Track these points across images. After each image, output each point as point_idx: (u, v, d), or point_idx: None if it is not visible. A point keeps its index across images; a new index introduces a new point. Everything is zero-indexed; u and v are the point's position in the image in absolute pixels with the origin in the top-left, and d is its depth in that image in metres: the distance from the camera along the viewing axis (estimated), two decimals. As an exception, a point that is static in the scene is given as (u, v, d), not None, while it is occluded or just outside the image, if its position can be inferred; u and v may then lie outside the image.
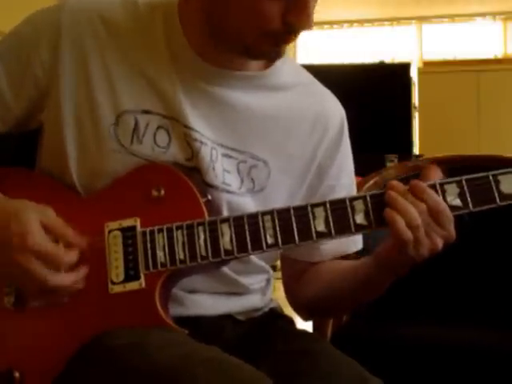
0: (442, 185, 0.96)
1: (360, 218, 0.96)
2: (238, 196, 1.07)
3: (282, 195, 1.04)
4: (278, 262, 1.23)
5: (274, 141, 1.10)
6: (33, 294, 0.96)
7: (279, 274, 1.23)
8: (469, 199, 0.95)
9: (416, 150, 5.38)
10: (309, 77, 1.18)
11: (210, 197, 1.03)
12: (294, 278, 1.20)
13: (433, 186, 0.96)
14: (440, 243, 0.96)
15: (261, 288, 1.17)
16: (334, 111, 1.17)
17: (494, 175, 0.96)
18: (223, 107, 1.06)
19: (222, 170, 1.05)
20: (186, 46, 1.04)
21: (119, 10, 1.06)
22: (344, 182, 1.16)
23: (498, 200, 0.95)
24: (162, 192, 1.01)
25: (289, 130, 1.11)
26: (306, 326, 1.29)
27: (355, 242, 1.19)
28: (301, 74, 1.17)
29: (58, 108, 1.04)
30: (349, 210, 0.96)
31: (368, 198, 0.96)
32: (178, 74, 1.04)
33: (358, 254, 1.19)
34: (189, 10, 1.04)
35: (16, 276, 0.95)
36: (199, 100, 1.05)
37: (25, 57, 1.04)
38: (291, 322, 1.20)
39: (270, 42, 0.99)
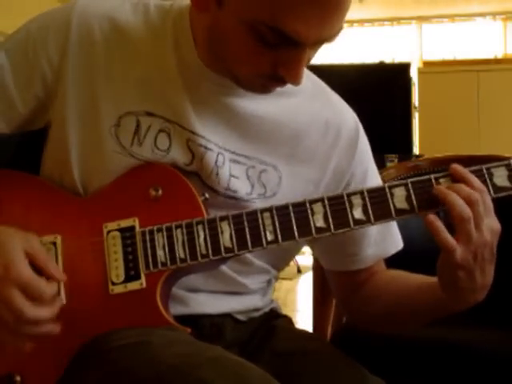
0: (437, 179, 0.97)
1: (358, 213, 0.96)
2: (246, 202, 1.06)
3: (295, 200, 1.02)
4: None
5: (283, 146, 1.09)
6: (8, 325, 0.90)
7: (279, 274, 1.22)
8: None
9: (416, 150, 5.37)
10: (317, 81, 1.16)
11: (207, 195, 1.03)
12: (349, 290, 1.18)
13: (479, 171, 0.97)
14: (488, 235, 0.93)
15: (261, 288, 1.17)
16: (347, 115, 1.15)
17: (487, 168, 0.97)
18: (229, 114, 1.05)
19: (228, 176, 1.05)
20: (194, 53, 1.03)
21: (130, 12, 1.06)
22: (372, 184, 1.13)
23: (492, 192, 0.96)
24: (160, 191, 1.01)
25: (298, 135, 1.10)
26: (305, 326, 1.29)
27: (395, 243, 1.18)
28: (309, 78, 1.14)
29: (63, 108, 1.03)
30: (347, 204, 0.96)
31: (365, 193, 0.96)
32: (185, 80, 1.04)
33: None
34: (198, 24, 1.03)
35: None
36: (205, 106, 1.04)
37: (32, 55, 1.03)
38: (290, 322, 1.20)
39: (259, 82, 0.99)
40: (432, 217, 0.93)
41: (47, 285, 0.92)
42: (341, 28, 0.92)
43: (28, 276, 0.90)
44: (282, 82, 0.97)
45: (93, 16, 1.05)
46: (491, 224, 0.94)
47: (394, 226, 1.18)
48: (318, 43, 0.93)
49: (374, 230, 1.13)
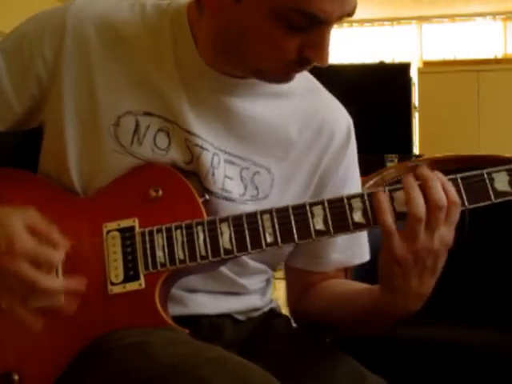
0: None
1: (358, 217, 0.96)
2: (239, 204, 1.06)
3: (287, 203, 1.01)
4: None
5: (276, 148, 1.09)
6: (21, 300, 0.90)
7: (279, 274, 1.22)
8: (464, 197, 0.95)
9: (416, 150, 5.38)
10: (314, 83, 1.16)
11: (207, 197, 1.03)
12: (299, 290, 1.18)
13: (453, 180, 0.95)
14: (436, 242, 0.93)
15: (260, 288, 1.17)
16: (341, 119, 1.15)
17: (488, 173, 0.96)
18: (226, 114, 1.05)
19: (222, 176, 1.05)
20: (194, 51, 1.03)
21: (126, 12, 1.06)
22: (350, 190, 1.12)
23: (492, 197, 0.96)
24: (160, 192, 1.01)
25: (292, 138, 1.10)
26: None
27: (361, 254, 1.18)
28: (306, 80, 1.14)
29: (59, 108, 1.03)
30: (347, 208, 0.96)
31: (365, 197, 0.96)
32: (183, 79, 1.04)
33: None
34: (201, 24, 1.03)
35: (5, 282, 0.90)
36: (202, 106, 1.04)
37: (28, 55, 1.03)
38: (290, 321, 1.20)
39: (284, 71, 0.99)
40: (382, 196, 0.94)
41: (54, 251, 0.90)
42: (356, 1, 0.94)
43: (33, 245, 0.89)
44: (306, 64, 0.98)
45: (88, 16, 1.04)
46: (444, 234, 0.93)
47: (362, 238, 1.17)
48: (340, 18, 0.94)
49: (339, 237, 1.12)
